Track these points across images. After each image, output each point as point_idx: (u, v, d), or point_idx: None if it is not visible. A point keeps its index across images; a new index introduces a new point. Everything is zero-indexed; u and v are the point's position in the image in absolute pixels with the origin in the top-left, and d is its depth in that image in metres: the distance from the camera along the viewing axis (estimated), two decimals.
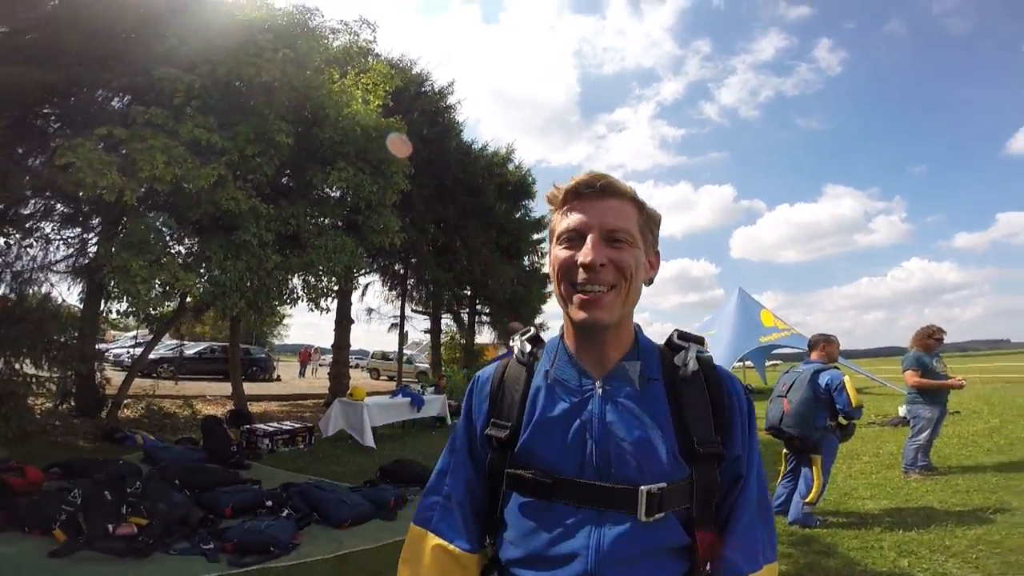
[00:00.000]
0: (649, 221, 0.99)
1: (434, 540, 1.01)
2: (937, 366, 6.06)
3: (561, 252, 0.95)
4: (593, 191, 0.94)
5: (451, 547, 1.00)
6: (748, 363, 20.56)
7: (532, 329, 1.10)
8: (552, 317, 20.18)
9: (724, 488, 0.95)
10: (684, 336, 1.01)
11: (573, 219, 0.94)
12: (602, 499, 0.89)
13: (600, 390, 0.94)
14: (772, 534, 0.99)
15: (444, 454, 1.10)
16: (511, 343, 1.10)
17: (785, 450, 4.87)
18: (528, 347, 1.06)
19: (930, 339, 6.14)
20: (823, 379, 4.45)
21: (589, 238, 0.91)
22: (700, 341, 1.00)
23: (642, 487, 0.88)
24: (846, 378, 4.42)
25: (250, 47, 7.64)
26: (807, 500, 4.49)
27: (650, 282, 1.02)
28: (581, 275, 0.91)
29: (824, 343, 4.85)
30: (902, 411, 9.68)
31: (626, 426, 0.91)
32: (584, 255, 0.90)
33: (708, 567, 0.93)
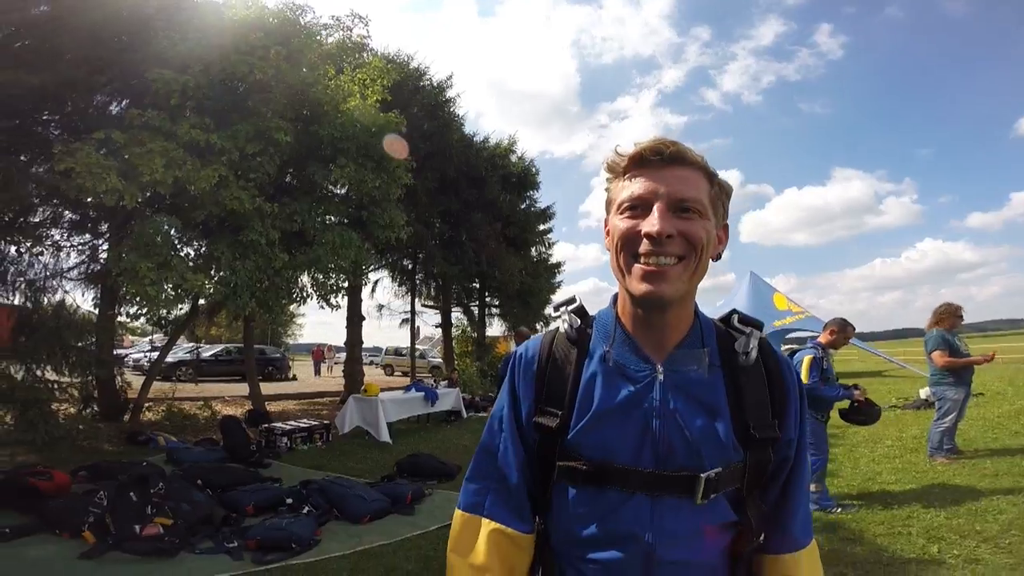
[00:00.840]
0: (721, 193, 0.93)
1: (491, 525, 0.97)
2: (960, 345, 5.91)
3: (623, 222, 0.88)
4: (660, 159, 0.87)
5: (510, 531, 0.97)
6: None
7: (576, 299, 1.02)
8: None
9: (774, 467, 0.96)
10: (745, 320, 0.95)
11: (638, 186, 0.88)
12: (659, 485, 0.88)
13: (662, 376, 0.90)
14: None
15: (486, 435, 1.04)
16: (555, 316, 1.03)
17: None
18: (578, 321, 0.99)
19: (954, 317, 5.97)
20: (795, 358, 4.61)
21: (656, 207, 0.85)
22: (759, 326, 0.95)
23: (701, 474, 0.87)
24: (807, 357, 4.52)
25: (242, 45, 7.59)
26: None
27: (718, 257, 0.95)
28: (645, 246, 0.85)
29: (831, 328, 4.80)
30: (923, 393, 9.56)
31: (690, 414, 0.89)
32: (650, 224, 0.84)
33: (762, 538, 0.95)
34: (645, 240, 0.85)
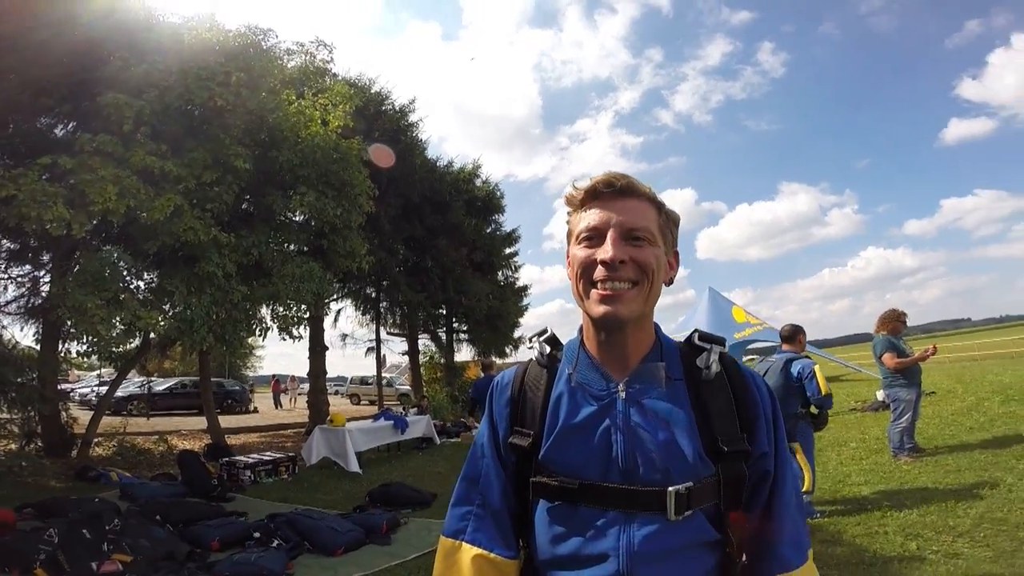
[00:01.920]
0: (668, 221, 0.98)
1: (472, 551, 0.97)
2: (905, 348, 6.26)
3: (580, 251, 0.94)
4: (613, 191, 0.93)
5: (492, 556, 0.97)
6: None
7: (547, 329, 1.07)
8: (531, 330, 20.08)
9: (753, 483, 0.95)
10: (705, 337, 0.97)
11: (593, 217, 0.93)
12: (630, 501, 0.88)
13: (623, 392, 0.92)
14: (806, 524, 1.00)
15: (469, 461, 1.06)
16: (528, 346, 1.07)
17: None
18: (547, 348, 1.03)
19: (898, 322, 6.31)
20: (795, 368, 4.51)
21: (609, 236, 0.91)
22: (721, 342, 0.97)
23: (670, 488, 0.87)
24: (816, 367, 4.47)
25: (201, 71, 7.41)
26: (804, 490, 4.49)
27: (670, 282, 1.00)
28: (601, 272, 0.90)
29: (799, 336, 4.93)
30: (880, 396, 9.90)
31: (652, 428, 0.90)
32: (604, 252, 0.90)
33: (744, 558, 0.93)
34: (600, 266, 0.90)
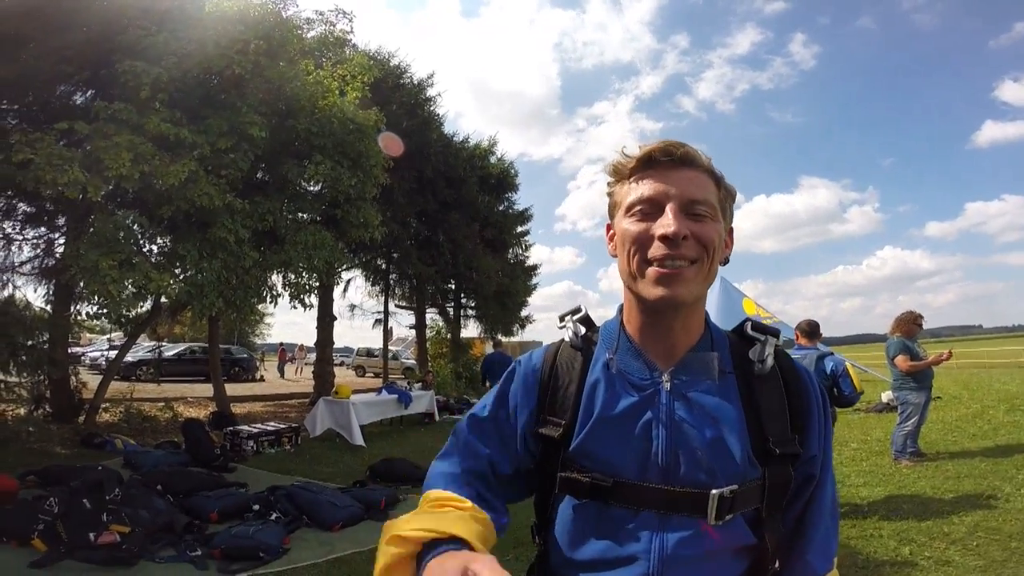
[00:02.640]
0: (728, 196, 0.90)
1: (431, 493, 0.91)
2: (920, 351, 6.17)
3: (633, 225, 0.85)
4: (670, 160, 0.84)
5: (446, 493, 0.89)
6: None
7: (582, 308, 0.99)
8: (538, 310, 20.13)
9: (796, 486, 0.88)
10: (759, 327, 0.90)
11: (648, 188, 0.84)
12: (667, 503, 0.82)
13: (668, 384, 0.85)
14: (838, 530, 0.95)
15: (448, 443, 0.98)
16: (560, 326, 0.99)
17: None
18: (583, 330, 0.96)
19: (914, 324, 6.23)
20: (828, 364, 4.43)
21: (668, 208, 0.82)
22: (776, 334, 0.89)
23: (713, 491, 0.80)
24: (848, 364, 4.43)
25: (221, 39, 7.36)
26: None
27: (725, 262, 0.91)
28: (660, 248, 0.81)
29: (820, 334, 4.88)
30: (884, 397, 9.85)
31: (698, 425, 0.83)
32: (665, 226, 0.81)
33: (777, 564, 0.87)
34: (658, 242, 0.82)
